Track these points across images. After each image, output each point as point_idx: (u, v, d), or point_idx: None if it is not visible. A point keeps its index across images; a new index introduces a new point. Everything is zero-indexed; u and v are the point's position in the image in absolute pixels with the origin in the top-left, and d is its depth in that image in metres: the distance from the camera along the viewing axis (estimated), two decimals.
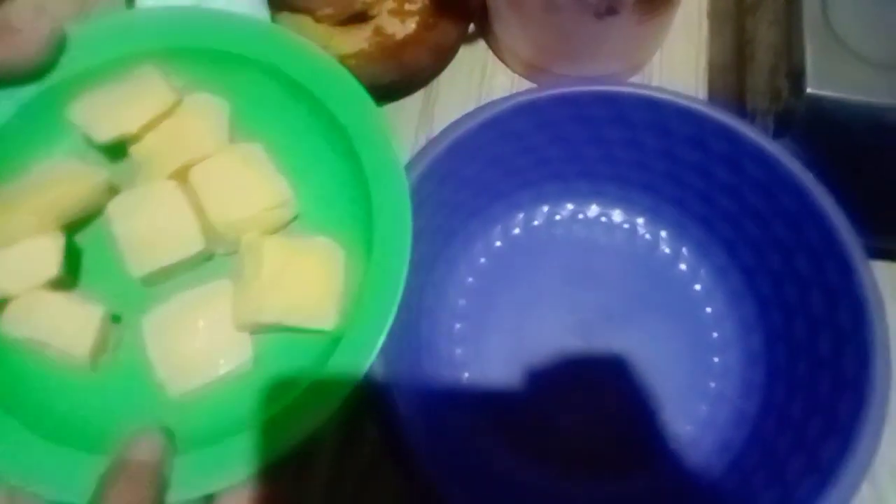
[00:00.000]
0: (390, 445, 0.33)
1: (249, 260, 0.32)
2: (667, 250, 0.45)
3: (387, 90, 0.50)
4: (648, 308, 0.43)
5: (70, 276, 0.32)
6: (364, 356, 0.30)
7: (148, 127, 0.33)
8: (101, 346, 0.31)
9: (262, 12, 0.44)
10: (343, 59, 0.51)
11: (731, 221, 0.42)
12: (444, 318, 0.42)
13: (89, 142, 0.33)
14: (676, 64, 0.52)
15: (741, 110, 0.47)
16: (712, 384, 0.41)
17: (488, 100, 0.41)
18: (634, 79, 0.52)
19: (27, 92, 0.33)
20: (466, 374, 0.41)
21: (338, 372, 0.29)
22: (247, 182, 0.32)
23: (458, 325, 0.43)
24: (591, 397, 0.41)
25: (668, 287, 0.44)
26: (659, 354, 0.42)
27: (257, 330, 0.32)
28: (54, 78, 0.33)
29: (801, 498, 0.32)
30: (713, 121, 0.39)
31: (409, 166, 0.38)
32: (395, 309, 0.30)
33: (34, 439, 0.28)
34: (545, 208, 0.46)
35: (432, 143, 0.39)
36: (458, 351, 0.42)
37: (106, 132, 0.33)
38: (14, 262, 0.30)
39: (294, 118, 0.34)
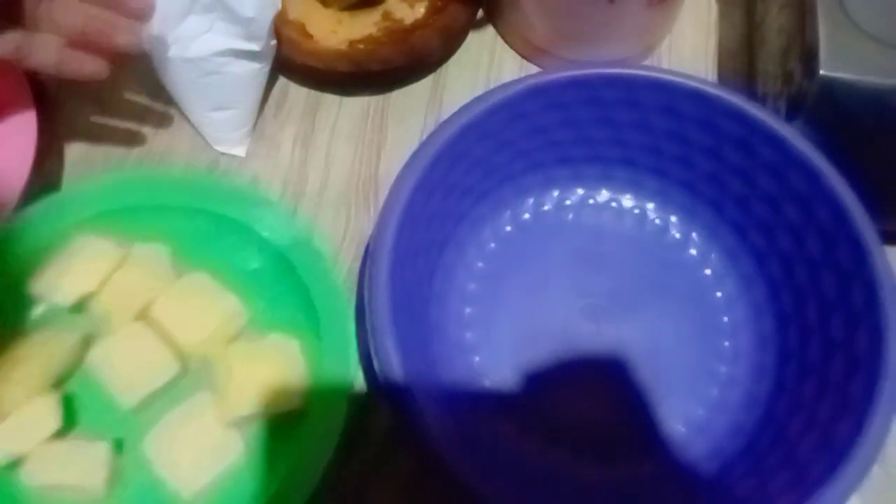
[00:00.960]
0: (404, 428, 0.33)
1: (220, 369, 0.38)
2: (677, 235, 0.45)
3: (395, 75, 0.50)
4: (658, 293, 0.43)
5: (70, 423, 0.37)
6: (333, 427, 0.36)
7: (104, 282, 0.39)
8: (113, 476, 0.36)
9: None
10: (352, 45, 0.51)
11: (741, 204, 0.42)
12: (453, 303, 0.42)
13: (55, 307, 0.40)
14: (686, 48, 0.52)
15: (751, 94, 0.47)
16: (723, 368, 0.41)
17: (497, 84, 0.41)
18: (644, 63, 0.51)
19: None
20: (476, 358, 0.41)
21: (313, 444, 0.36)
22: (199, 306, 0.39)
23: (468, 310, 0.43)
24: (600, 381, 0.41)
25: (678, 272, 0.44)
26: (669, 339, 0.42)
27: (242, 423, 0.37)
28: (10, 261, 0.39)
29: (814, 478, 0.32)
30: (724, 102, 0.39)
31: (420, 149, 0.38)
32: (351, 385, 0.37)
33: None
34: (555, 193, 0.45)
35: (443, 125, 0.39)
36: (468, 335, 0.42)
37: (70, 295, 0.39)
38: (20, 426, 0.36)
39: (229, 246, 0.41)
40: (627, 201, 0.45)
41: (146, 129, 0.50)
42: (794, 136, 0.38)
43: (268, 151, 0.49)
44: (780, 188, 0.39)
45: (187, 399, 0.38)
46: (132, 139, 0.49)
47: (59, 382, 0.38)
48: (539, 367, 0.41)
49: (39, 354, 0.38)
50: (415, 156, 0.38)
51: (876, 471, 0.38)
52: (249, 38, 0.44)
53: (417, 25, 0.51)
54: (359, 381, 0.40)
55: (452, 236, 0.42)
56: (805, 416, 0.36)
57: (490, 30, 0.53)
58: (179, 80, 0.46)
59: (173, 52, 0.43)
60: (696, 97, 0.40)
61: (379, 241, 0.36)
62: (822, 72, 0.37)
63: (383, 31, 0.52)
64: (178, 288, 0.40)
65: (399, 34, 0.51)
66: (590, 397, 0.41)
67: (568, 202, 0.45)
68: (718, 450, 0.39)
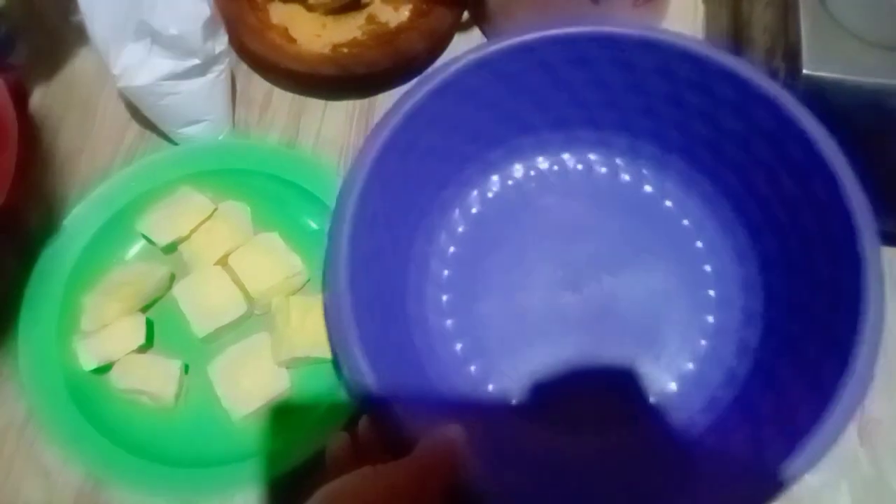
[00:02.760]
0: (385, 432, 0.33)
1: (280, 315, 0.43)
2: (649, 188, 0.43)
3: (381, 78, 0.50)
4: (638, 250, 0.42)
5: (149, 341, 0.44)
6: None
7: (194, 230, 0.46)
8: (180, 390, 0.43)
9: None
10: (336, 48, 0.50)
11: (711, 147, 0.41)
12: (430, 292, 0.42)
13: (152, 244, 0.47)
14: None
15: None
16: (710, 318, 0.40)
17: None
18: None
19: (108, 211, 0.47)
20: (459, 345, 0.41)
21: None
22: (270, 261, 0.45)
23: (445, 297, 0.42)
24: (589, 350, 0.40)
25: (656, 225, 0.43)
26: (655, 295, 0.41)
27: (292, 365, 0.43)
28: (125, 200, 0.47)
29: (803, 422, 0.31)
30: (675, 47, 0.38)
31: (366, 143, 0.38)
32: None
33: (136, 460, 0.41)
34: (518, 166, 0.44)
35: (385, 116, 0.38)
36: (448, 322, 0.41)
37: (166, 237, 0.46)
38: (113, 338, 0.43)
39: (298, 210, 0.47)
40: (595, 160, 0.44)
41: (130, 133, 0.50)
42: (752, 72, 0.37)
43: None
44: (748, 127, 0.38)
45: (249, 337, 0.44)
46: (118, 140, 0.50)
47: (147, 307, 0.46)
48: (526, 344, 0.41)
49: (136, 282, 0.45)
50: (361, 152, 0.37)
51: (864, 462, 0.38)
52: (186, 54, 0.44)
53: (402, 28, 0.51)
54: None
55: (420, 225, 0.42)
56: (793, 357, 0.35)
57: (476, 32, 0.53)
58: (142, 105, 0.47)
59: (123, 82, 0.44)
60: (647, 45, 0.39)
61: (333, 245, 0.36)
62: (805, 71, 0.37)
63: (368, 34, 0.51)
64: (254, 243, 0.46)
65: (384, 37, 0.51)
66: (580, 368, 0.40)
67: (532, 172, 0.45)
68: (711, 403, 0.38)
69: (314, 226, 0.47)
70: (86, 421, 0.41)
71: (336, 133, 0.50)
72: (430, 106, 0.38)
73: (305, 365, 0.43)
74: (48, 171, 0.49)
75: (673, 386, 0.39)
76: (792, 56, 0.38)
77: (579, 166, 0.44)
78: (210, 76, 0.46)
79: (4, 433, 0.42)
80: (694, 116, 0.40)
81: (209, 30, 0.44)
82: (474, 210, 0.44)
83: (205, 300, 0.44)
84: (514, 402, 0.39)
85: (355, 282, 0.35)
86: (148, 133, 0.51)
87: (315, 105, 0.51)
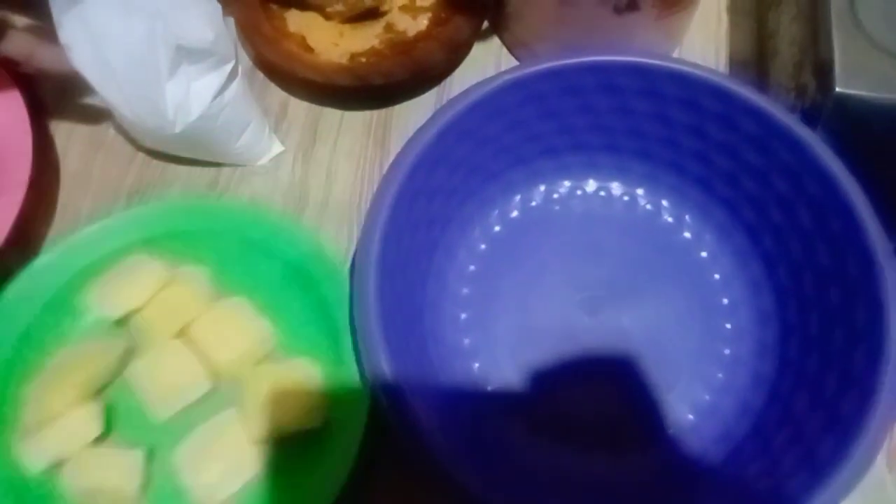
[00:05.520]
0: (407, 441, 0.33)
1: (248, 388, 0.39)
2: (669, 219, 0.44)
3: (398, 88, 0.49)
4: (655, 279, 0.42)
5: (106, 428, 0.39)
6: (351, 444, 0.37)
7: (149, 301, 0.42)
8: (144, 483, 0.38)
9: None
10: (353, 58, 0.50)
11: (730, 181, 0.41)
12: (447, 309, 0.42)
13: (101, 320, 0.42)
14: (696, 59, 0.50)
15: None
16: (726, 350, 0.40)
17: None
18: None
19: (50, 286, 0.42)
20: (476, 364, 0.41)
21: (334, 460, 0.37)
22: (235, 329, 0.41)
23: (463, 315, 0.42)
24: (604, 374, 0.40)
25: (673, 256, 0.43)
26: (670, 325, 0.41)
27: (267, 441, 0.39)
28: (70, 272, 0.42)
29: (824, 457, 0.31)
30: (704, 81, 0.39)
31: (399, 157, 0.38)
32: (367, 406, 0.37)
33: None
34: (542, 187, 0.45)
35: (418, 131, 0.38)
36: (466, 340, 0.41)
37: (117, 310, 0.41)
38: (63, 432, 0.38)
39: (264, 271, 0.43)
40: (616, 188, 0.45)
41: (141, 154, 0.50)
42: (776, 109, 0.37)
43: (267, 168, 0.48)
44: (768, 161, 0.38)
45: (216, 415, 0.40)
46: (130, 160, 0.49)
47: (99, 391, 0.41)
48: (541, 365, 0.40)
49: (85, 365, 0.40)
50: (394, 164, 0.38)
51: (892, 490, 0.37)
52: (221, 61, 0.43)
53: (420, 37, 0.51)
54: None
55: (441, 241, 0.42)
56: (810, 391, 0.35)
57: (495, 41, 0.53)
58: (199, 141, 0.45)
59: (179, 126, 0.42)
60: (675, 78, 0.39)
61: (364, 252, 0.36)
62: (837, 88, 0.36)
63: (385, 43, 0.51)
64: (217, 310, 0.42)
65: (402, 46, 0.50)
66: (594, 391, 0.40)
67: (556, 195, 0.45)
68: (726, 433, 0.38)
69: (281, 285, 0.43)
70: None
71: (353, 143, 0.49)
72: (464, 120, 0.39)
73: (283, 440, 0.39)
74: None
75: (688, 415, 0.39)
76: (823, 72, 0.37)
77: (601, 192, 0.45)
78: (238, 73, 0.45)
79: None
80: (715, 148, 0.40)
81: (227, 26, 0.43)
82: (496, 229, 0.44)
83: (164, 379, 0.40)
84: (527, 419, 0.39)
85: (382, 289, 0.35)
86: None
87: (332, 115, 0.50)
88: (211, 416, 0.40)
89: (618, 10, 0.43)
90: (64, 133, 0.50)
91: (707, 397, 0.39)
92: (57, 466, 0.38)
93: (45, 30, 0.41)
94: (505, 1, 0.49)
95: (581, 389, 0.40)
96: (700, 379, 0.40)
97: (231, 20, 0.48)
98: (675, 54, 0.51)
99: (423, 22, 0.52)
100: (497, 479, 0.33)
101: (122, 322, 0.42)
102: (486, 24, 0.52)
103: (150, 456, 0.39)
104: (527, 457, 0.38)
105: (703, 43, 0.52)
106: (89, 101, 0.49)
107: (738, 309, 0.41)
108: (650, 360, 0.40)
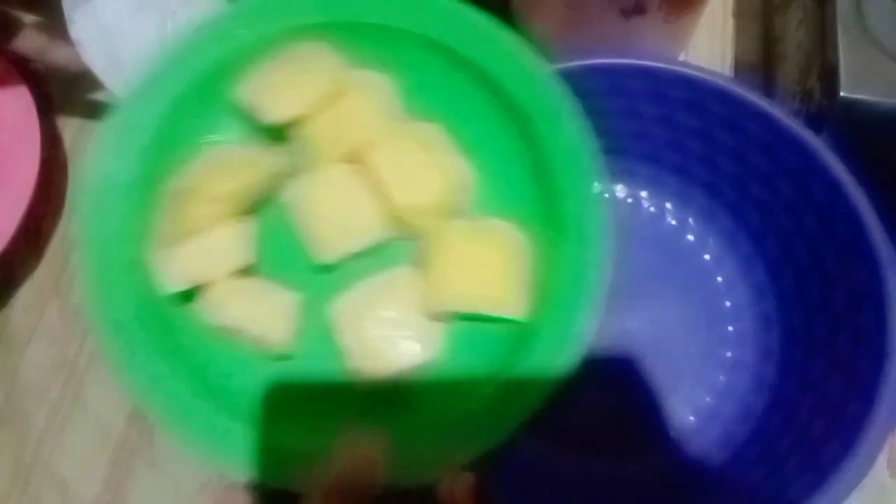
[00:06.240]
0: None
1: (433, 246, 0.31)
2: (673, 222, 0.44)
3: None
4: (658, 282, 0.42)
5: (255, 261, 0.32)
6: (563, 351, 0.29)
7: (316, 106, 0.32)
8: (293, 332, 0.31)
9: None
10: None
11: (735, 184, 0.41)
12: None
13: (254, 122, 0.32)
14: (702, 63, 0.51)
15: None
16: (729, 353, 0.41)
17: None
18: None
19: (191, 71, 0.32)
20: None
21: (535, 367, 0.29)
22: (426, 164, 0.31)
23: None
24: (607, 377, 0.40)
25: (677, 259, 0.43)
26: (673, 328, 0.41)
27: (447, 319, 0.31)
28: (216, 54, 0.33)
29: (827, 458, 0.32)
30: (709, 84, 0.38)
31: None
32: (595, 300, 0.29)
33: (223, 419, 0.29)
34: None
35: None
36: None
37: (277, 113, 0.31)
38: (207, 251, 0.31)
39: (466, 97, 0.33)
40: (620, 191, 0.45)
41: None
42: (781, 113, 0.37)
43: None
44: (773, 166, 0.38)
45: (389, 270, 0.32)
46: None
47: (248, 212, 0.33)
48: None
49: (234, 174, 0.32)
50: None
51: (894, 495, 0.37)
52: None
53: None
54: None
55: None
56: (814, 396, 0.35)
57: None
58: None
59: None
60: (681, 81, 0.39)
61: None
62: (842, 93, 0.36)
63: None
64: (405, 136, 0.32)
65: None
66: (597, 393, 0.40)
67: None
68: (729, 437, 0.38)
69: (497, 125, 0.33)
70: (162, 362, 0.30)
71: None
72: None
73: (468, 322, 0.30)
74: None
75: (690, 418, 0.39)
76: (828, 77, 0.37)
77: (605, 195, 0.44)
78: None
79: (22, 443, 0.42)
80: (720, 152, 0.40)
81: None
82: None
83: (328, 213, 0.31)
84: (530, 424, 0.39)
85: None
86: None
87: None
88: (381, 269, 0.31)
89: (624, 14, 0.43)
90: (72, 130, 0.50)
91: (709, 400, 0.40)
92: (195, 292, 0.31)
93: (56, 26, 0.41)
94: (510, 3, 0.49)
95: (583, 391, 0.39)
96: (702, 382, 0.40)
97: None
98: (682, 58, 0.51)
99: None
100: (498, 480, 0.33)
101: (279, 131, 0.33)
102: None
103: (303, 303, 0.31)
104: (529, 459, 0.38)
105: (710, 47, 0.52)
106: (98, 97, 0.50)
107: (742, 312, 0.41)
108: (653, 363, 0.40)
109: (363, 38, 0.33)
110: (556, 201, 0.31)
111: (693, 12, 0.46)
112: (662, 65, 0.39)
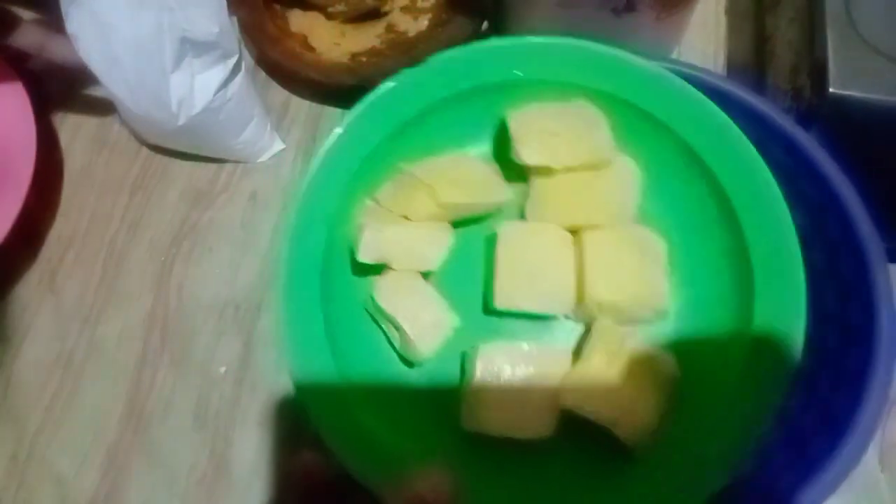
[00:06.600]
0: None
1: (598, 343, 0.32)
2: None
3: None
4: None
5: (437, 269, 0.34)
6: None
7: (567, 168, 0.33)
8: (435, 350, 0.33)
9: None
10: (354, 57, 0.50)
11: None
12: None
13: (502, 152, 0.34)
14: (694, 61, 0.51)
15: None
16: None
17: None
18: None
19: (466, 82, 0.35)
20: None
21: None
22: (632, 270, 0.32)
23: None
24: None
25: None
26: None
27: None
28: (496, 77, 0.35)
29: (816, 452, 0.32)
30: (702, 83, 0.38)
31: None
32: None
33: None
34: None
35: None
36: None
37: (528, 155, 0.33)
38: (407, 241, 0.33)
39: (694, 206, 0.34)
40: None
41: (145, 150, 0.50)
42: (772, 110, 0.37)
43: (268, 165, 0.49)
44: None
45: (543, 344, 0.33)
46: (133, 156, 0.50)
47: (453, 223, 0.35)
48: None
49: (468, 190, 0.34)
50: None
51: (885, 489, 0.37)
52: (225, 55, 0.43)
53: (421, 38, 0.51)
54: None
55: None
56: (804, 390, 0.35)
57: None
58: (201, 135, 0.46)
59: (183, 118, 0.43)
60: None
61: None
62: (831, 89, 0.36)
63: (387, 43, 0.51)
64: (628, 236, 0.33)
65: (402, 46, 0.51)
66: None
67: None
68: None
69: (716, 246, 0.34)
70: (320, 317, 0.32)
71: None
72: None
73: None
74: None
75: None
76: (818, 74, 0.37)
77: None
78: (242, 68, 0.45)
79: (18, 439, 0.42)
80: None
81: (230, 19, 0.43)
82: None
83: (527, 265, 0.32)
84: None
85: None
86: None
87: (333, 113, 0.51)
88: (536, 334, 0.33)
89: (616, 12, 0.44)
90: (68, 130, 0.50)
91: None
92: (376, 270, 0.34)
93: (54, 23, 0.41)
94: (504, 2, 0.50)
95: None
96: None
97: (234, 19, 0.49)
98: (674, 56, 0.52)
99: (423, 23, 0.52)
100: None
101: (521, 167, 0.34)
102: (485, 24, 0.52)
103: (457, 329, 0.33)
104: None
105: (702, 45, 0.52)
106: (94, 95, 0.50)
107: None
108: None
109: (633, 118, 0.35)
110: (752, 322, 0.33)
111: (683, 11, 0.46)
112: (653, 62, 0.39)
